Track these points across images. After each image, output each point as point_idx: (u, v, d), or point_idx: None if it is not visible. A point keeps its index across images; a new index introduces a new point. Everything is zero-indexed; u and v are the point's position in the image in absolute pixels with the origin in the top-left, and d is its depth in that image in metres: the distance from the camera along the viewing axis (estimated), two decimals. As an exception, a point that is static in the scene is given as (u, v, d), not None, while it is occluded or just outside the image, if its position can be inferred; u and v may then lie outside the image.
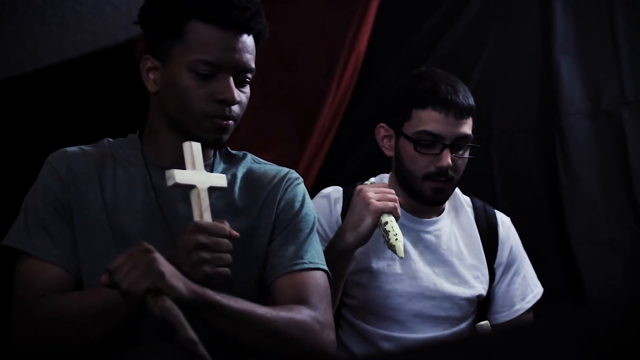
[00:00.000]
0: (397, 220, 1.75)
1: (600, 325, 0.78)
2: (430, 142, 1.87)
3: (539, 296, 2.07)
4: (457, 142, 1.88)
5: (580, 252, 2.50)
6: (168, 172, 1.34)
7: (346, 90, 2.89)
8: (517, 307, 2.04)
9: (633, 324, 0.76)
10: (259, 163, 1.65)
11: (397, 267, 1.91)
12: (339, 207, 1.91)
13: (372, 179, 1.94)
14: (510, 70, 2.73)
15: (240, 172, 1.60)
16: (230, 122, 1.51)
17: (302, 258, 1.52)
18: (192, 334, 1.21)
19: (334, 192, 1.97)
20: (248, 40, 1.50)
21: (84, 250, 1.47)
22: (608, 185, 2.55)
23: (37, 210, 1.48)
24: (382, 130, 1.98)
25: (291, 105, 3.06)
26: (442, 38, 2.81)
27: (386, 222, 1.74)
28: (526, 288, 2.05)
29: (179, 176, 1.34)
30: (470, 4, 2.78)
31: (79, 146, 1.57)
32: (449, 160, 1.86)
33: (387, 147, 1.97)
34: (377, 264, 1.90)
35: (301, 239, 1.55)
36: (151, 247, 1.29)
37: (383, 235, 1.74)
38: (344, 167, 2.89)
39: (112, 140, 1.60)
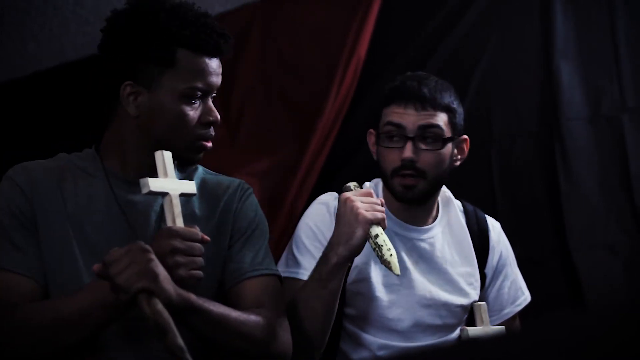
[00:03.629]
0: (384, 230, 1.71)
1: (600, 329, 0.78)
2: (391, 134, 1.87)
3: (528, 300, 2.07)
4: (422, 134, 1.86)
5: (580, 257, 2.50)
6: (142, 181, 1.40)
7: (346, 93, 2.90)
8: (507, 310, 2.03)
9: (633, 328, 0.76)
10: (210, 174, 1.71)
11: (394, 278, 1.90)
12: None
13: (352, 183, 1.86)
14: (511, 74, 2.73)
15: (195, 182, 1.64)
16: (211, 142, 1.60)
17: (260, 264, 1.62)
18: (181, 341, 1.25)
19: (332, 199, 1.95)
20: (220, 63, 1.60)
21: (49, 261, 1.50)
22: (608, 189, 2.55)
23: (2, 225, 1.51)
24: (372, 137, 1.99)
25: (292, 108, 3.06)
26: (442, 42, 2.81)
27: (377, 235, 1.68)
28: (517, 292, 2.05)
29: (153, 184, 1.40)
30: (471, 8, 2.78)
31: (37, 161, 1.60)
32: (410, 152, 1.84)
33: (375, 152, 1.98)
34: (376, 275, 1.90)
35: (257, 246, 1.64)
36: (149, 247, 1.33)
37: (374, 249, 1.68)
38: (345, 171, 2.89)
39: (68, 154, 1.64)
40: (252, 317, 1.52)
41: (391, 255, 1.66)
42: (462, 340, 1.75)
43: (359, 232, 1.68)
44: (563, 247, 2.53)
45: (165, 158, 1.45)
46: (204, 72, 1.54)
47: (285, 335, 1.58)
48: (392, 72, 2.82)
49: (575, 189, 2.56)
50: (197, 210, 1.61)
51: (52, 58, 3.65)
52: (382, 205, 1.73)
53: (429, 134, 1.87)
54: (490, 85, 2.73)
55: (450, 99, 1.91)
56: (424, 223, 1.96)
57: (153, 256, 1.32)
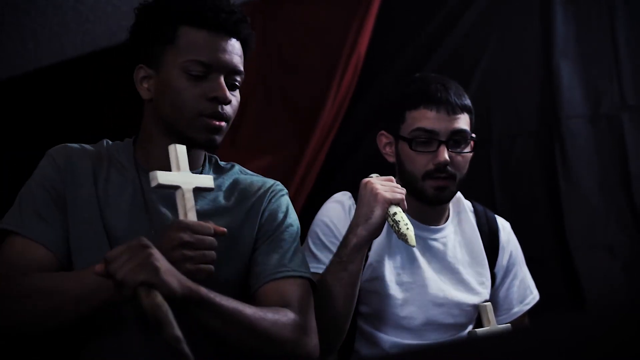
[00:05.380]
0: (404, 212, 1.73)
1: (599, 329, 0.78)
2: (425, 139, 1.88)
3: (536, 299, 2.09)
4: (453, 138, 1.89)
5: (580, 257, 2.50)
6: (152, 174, 1.38)
7: (346, 92, 2.90)
8: (516, 309, 2.05)
9: (632, 328, 0.76)
10: (245, 174, 1.70)
11: (408, 276, 1.91)
12: (353, 213, 1.90)
13: (374, 174, 1.88)
14: (511, 74, 2.73)
15: (227, 181, 1.65)
16: (223, 123, 1.56)
17: (285, 266, 1.58)
18: (178, 332, 1.23)
19: (346, 198, 1.96)
20: (236, 44, 1.57)
21: (75, 243, 1.51)
22: (607, 189, 2.55)
23: (31, 196, 1.53)
24: (384, 138, 2.00)
25: (292, 107, 3.06)
26: (442, 42, 2.81)
27: (395, 213, 1.69)
28: (525, 291, 2.07)
29: (162, 177, 1.38)
30: (471, 8, 2.78)
31: (80, 144, 1.62)
32: (446, 156, 1.87)
33: (389, 153, 1.99)
34: (390, 273, 1.91)
35: (285, 248, 1.60)
36: (149, 242, 1.32)
37: (392, 226, 1.70)
38: (344, 169, 2.89)
39: (110, 142, 1.66)
40: (270, 315, 1.48)
41: (408, 229, 1.67)
42: (462, 340, 1.75)
43: (378, 212, 1.70)
44: (563, 247, 2.54)
45: (178, 151, 1.43)
46: (206, 47, 1.53)
47: (308, 338, 1.52)
48: (392, 72, 2.83)
49: (575, 188, 2.56)
50: (222, 208, 1.60)
51: (52, 56, 3.66)
52: (402, 187, 1.75)
53: (459, 138, 1.90)
54: (490, 85, 2.73)
55: (468, 99, 1.94)
56: (437, 223, 1.99)
57: (153, 250, 1.31)
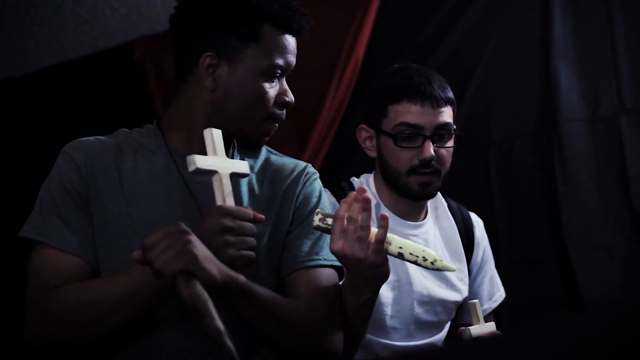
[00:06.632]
0: (397, 235, 1.50)
1: (597, 331, 0.78)
2: (410, 134, 1.84)
3: (503, 296, 2.08)
4: (438, 132, 1.85)
5: (578, 259, 2.50)
6: (189, 158, 1.33)
7: (345, 94, 2.90)
8: (485, 306, 2.02)
9: (630, 330, 0.76)
10: (275, 154, 1.65)
11: (393, 274, 1.89)
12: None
13: (317, 218, 1.49)
14: (510, 76, 2.74)
15: (258, 163, 1.60)
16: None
17: (317, 254, 1.53)
18: (219, 324, 1.19)
19: (327, 196, 1.93)
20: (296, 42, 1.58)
21: (102, 241, 1.45)
22: (606, 191, 2.55)
23: (53, 200, 1.46)
24: (363, 132, 1.95)
25: (290, 108, 3.06)
26: (441, 43, 2.81)
27: (400, 254, 1.45)
28: (493, 287, 2.06)
29: (200, 161, 1.34)
30: (470, 9, 2.78)
31: (95, 137, 1.55)
32: (432, 151, 1.83)
33: (370, 148, 1.95)
34: None
35: (317, 234, 1.55)
36: (187, 228, 1.28)
37: (414, 264, 1.46)
38: (342, 170, 2.89)
39: (128, 130, 1.59)
40: (302, 310, 1.45)
41: (433, 262, 1.44)
42: (461, 342, 1.74)
43: (384, 268, 1.47)
44: (561, 249, 2.54)
45: (214, 136, 1.38)
46: (285, 50, 1.52)
47: (335, 332, 1.49)
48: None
49: (573, 190, 2.57)
50: (256, 191, 1.54)
51: (51, 57, 3.66)
52: (367, 202, 1.43)
53: (443, 132, 1.86)
54: (489, 87, 2.74)
55: (451, 91, 1.91)
56: (417, 218, 1.95)
57: (192, 237, 1.26)
